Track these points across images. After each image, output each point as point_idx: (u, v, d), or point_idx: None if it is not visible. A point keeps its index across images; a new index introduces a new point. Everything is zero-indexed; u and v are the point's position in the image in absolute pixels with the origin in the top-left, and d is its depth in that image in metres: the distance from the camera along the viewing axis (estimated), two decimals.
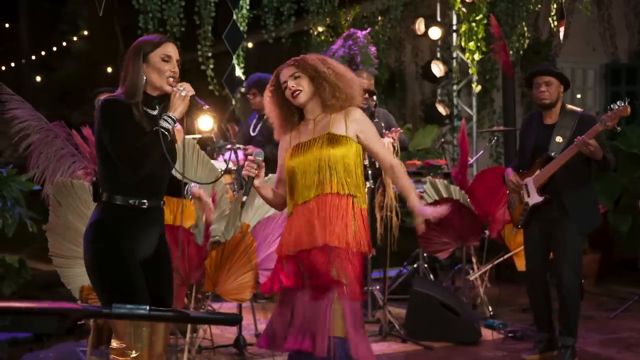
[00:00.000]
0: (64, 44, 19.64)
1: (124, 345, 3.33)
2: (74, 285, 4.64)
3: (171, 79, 3.39)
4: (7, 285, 6.99)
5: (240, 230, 4.93)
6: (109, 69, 15.17)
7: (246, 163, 3.58)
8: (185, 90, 3.36)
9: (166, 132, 3.28)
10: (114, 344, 3.35)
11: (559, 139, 5.05)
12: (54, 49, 19.59)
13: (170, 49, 3.42)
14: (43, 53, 19.62)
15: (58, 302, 2.16)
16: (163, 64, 3.38)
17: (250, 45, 8.91)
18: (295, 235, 3.61)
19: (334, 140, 3.63)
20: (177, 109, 3.33)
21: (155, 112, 3.43)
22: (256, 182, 3.62)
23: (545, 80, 5.08)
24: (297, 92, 3.67)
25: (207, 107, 3.46)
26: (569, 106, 5.21)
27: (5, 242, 7.00)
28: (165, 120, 3.31)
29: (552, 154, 5.04)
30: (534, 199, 5.11)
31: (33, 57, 19.20)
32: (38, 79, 19.49)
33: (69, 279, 4.64)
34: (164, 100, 3.44)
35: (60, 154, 4.74)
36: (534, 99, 5.22)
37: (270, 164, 6.22)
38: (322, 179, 3.60)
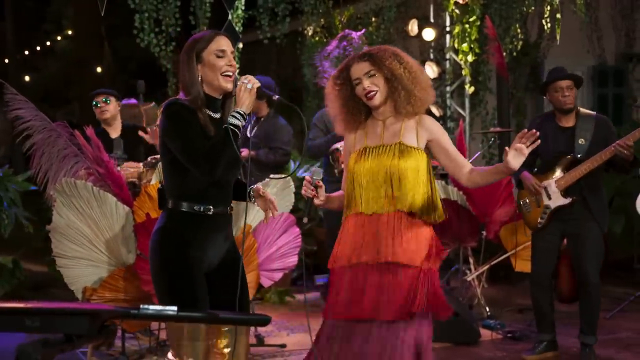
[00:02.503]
0: (48, 43, 19.54)
1: None
2: (77, 285, 4.59)
3: (229, 74, 3.22)
4: (1, 285, 6.95)
5: (241, 231, 4.91)
6: (99, 69, 15.08)
7: (304, 184, 3.38)
8: (251, 82, 3.18)
9: (236, 130, 3.12)
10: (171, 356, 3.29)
11: (581, 141, 5.07)
12: (38, 48, 19.48)
13: (223, 43, 3.24)
14: (27, 53, 19.50)
15: (88, 302, 2.15)
16: (218, 60, 3.20)
17: (240, 45, 8.91)
18: (357, 247, 3.40)
19: (405, 151, 3.39)
20: (245, 102, 3.17)
21: (217, 115, 3.28)
22: (316, 201, 3.39)
23: (568, 85, 5.09)
24: (372, 94, 3.40)
25: (277, 97, 3.32)
26: (582, 109, 5.24)
27: None
28: (234, 117, 3.15)
29: (579, 156, 5.07)
30: (558, 201, 5.12)
31: (18, 57, 19.08)
32: (27, 78, 19.36)
33: (72, 280, 4.59)
34: (226, 101, 3.31)
35: (63, 154, 4.70)
36: (553, 103, 5.18)
37: (265, 168, 6.23)
38: (394, 195, 3.37)
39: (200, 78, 3.22)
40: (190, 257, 3.21)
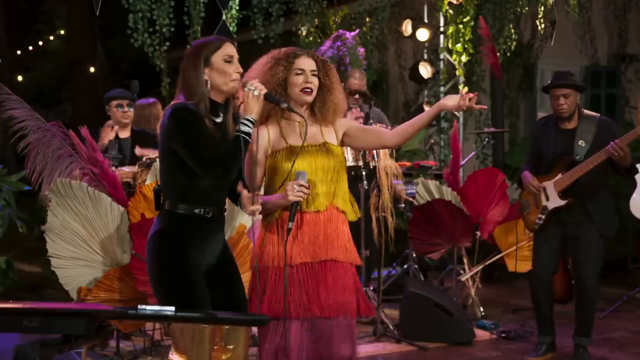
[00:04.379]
0: (41, 43, 19.48)
1: (184, 358, 3.26)
2: (72, 286, 4.59)
3: (236, 81, 3.24)
4: None
5: (236, 232, 4.92)
6: (92, 69, 15.03)
7: (297, 188, 3.27)
8: (257, 89, 3.19)
9: (247, 137, 3.14)
10: (175, 357, 3.29)
11: (581, 143, 5.05)
12: (30, 48, 19.41)
13: (231, 49, 3.25)
14: (19, 53, 19.44)
15: (85, 303, 2.14)
16: (227, 66, 3.22)
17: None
18: (309, 243, 3.40)
19: (333, 149, 3.48)
20: (254, 109, 3.18)
21: (219, 119, 3.28)
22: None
23: (564, 93, 5.04)
24: (310, 90, 3.43)
25: (285, 105, 3.30)
26: (586, 111, 5.20)
27: None
28: (245, 124, 3.15)
29: (577, 157, 5.06)
30: (555, 202, 5.12)
31: (10, 57, 19.00)
32: (19, 78, 19.29)
33: (67, 280, 4.59)
34: (228, 105, 3.32)
35: (58, 154, 4.69)
36: (552, 109, 5.20)
37: None
38: (334, 191, 3.45)
39: (208, 82, 3.22)
40: (191, 259, 3.22)
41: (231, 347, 3.40)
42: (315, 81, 3.45)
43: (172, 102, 3.25)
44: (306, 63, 3.45)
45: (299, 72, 3.43)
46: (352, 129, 3.58)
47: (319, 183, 3.41)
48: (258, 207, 3.32)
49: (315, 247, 3.39)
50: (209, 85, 3.23)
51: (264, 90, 3.22)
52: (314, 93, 3.46)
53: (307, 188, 3.29)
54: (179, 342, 3.29)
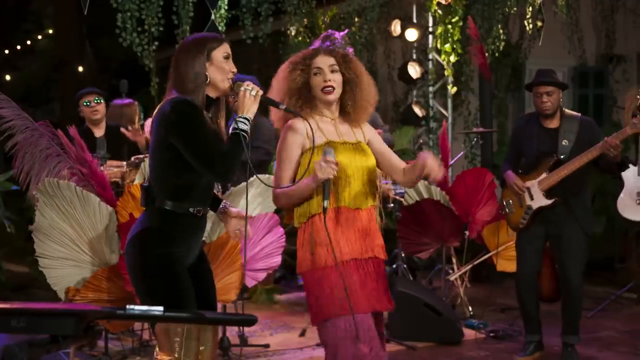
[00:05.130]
0: (29, 42, 19.39)
1: (171, 358, 3.24)
2: (61, 286, 4.56)
3: (231, 79, 3.24)
4: None
5: (225, 231, 4.91)
6: (80, 68, 14.98)
7: (324, 165, 3.18)
8: (254, 89, 3.20)
9: (246, 135, 3.12)
10: (163, 357, 3.26)
11: (565, 142, 5.09)
12: (18, 47, 19.33)
13: (228, 47, 3.27)
14: (7, 52, 19.36)
15: (73, 303, 2.14)
16: (225, 63, 3.23)
17: None
18: (356, 240, 3.36)
19: (367, 150, 3.45)
20: (250, 109, 3.17)
21: (210, 115, 3.28)
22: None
23: (547, 91, 5.08)
24: (330, 89, 3.34)
25: (283, 106, 3.29)
26: (567, 110, 5.25)
27: None
28: (243, 123, 3.14)
29: (562, 157, 5.08)
30: (540, 201, 5.14)
31: None
32: (8, 77, 19.21)
33: (55, 280, 4.56)
34: (218, 105, 3.32)
35: (46, 153, 4.67)
36: (535, 107, 5.23)
37: (246, 167, 6.21)
38: (372, 190, 3.40)
39: (207, 77, 3.21)
40: (177, 257, 3.21)
41: (202, 347, 3.37)
42: (336, 78, 3.36)
43: (168, 97, 3.20)
44: (323, 61, 3.38)
45: (317, 71, 3.36)
46: (374, 144, 3.52)
47: (359, 181, 3.36)
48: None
49: (361, 244, 3.36)
50: (207, 80, 3.22)
51: (260, 92, 3.22)
52: (337, 90, 3.37)
53: (335, 164, 3.19)
54: (165, 342, 3.26)
